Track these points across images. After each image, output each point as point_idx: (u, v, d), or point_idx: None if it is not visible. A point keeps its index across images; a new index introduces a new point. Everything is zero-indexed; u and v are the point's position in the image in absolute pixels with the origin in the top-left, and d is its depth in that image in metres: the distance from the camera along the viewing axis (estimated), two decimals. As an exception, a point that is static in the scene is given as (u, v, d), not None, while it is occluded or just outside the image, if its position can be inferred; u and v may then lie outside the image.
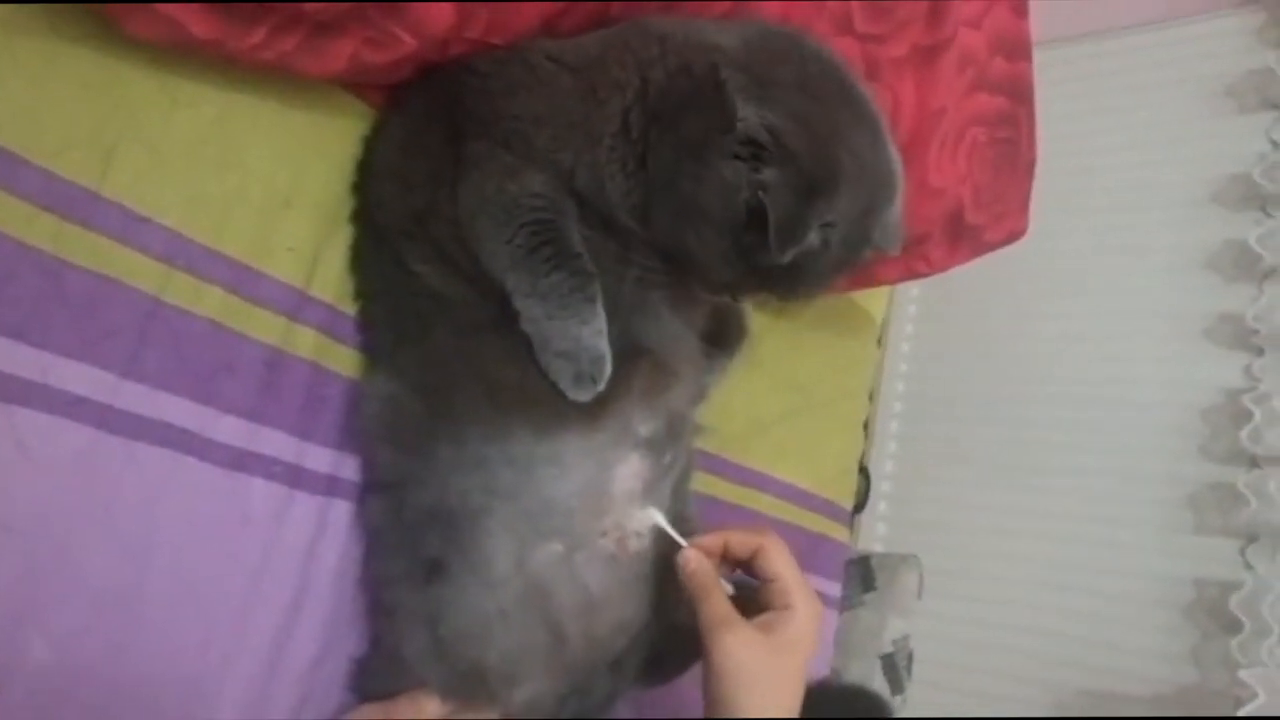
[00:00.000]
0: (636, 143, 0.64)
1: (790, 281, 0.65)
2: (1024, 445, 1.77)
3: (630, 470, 0.72)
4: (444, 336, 0.68)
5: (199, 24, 0.56)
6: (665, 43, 0.65)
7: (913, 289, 1.82)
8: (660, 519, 0.71)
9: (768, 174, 0.59)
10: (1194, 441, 1.62)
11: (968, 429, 1.83)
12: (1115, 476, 1.67)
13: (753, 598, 0.66)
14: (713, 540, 0.68)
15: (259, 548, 0.66)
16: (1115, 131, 1.76)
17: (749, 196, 0.60)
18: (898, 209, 0.68)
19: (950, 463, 1.82)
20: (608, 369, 0.65)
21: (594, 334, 0.65)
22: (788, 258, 0.60)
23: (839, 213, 0.61)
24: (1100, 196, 1.76)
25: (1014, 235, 1.00)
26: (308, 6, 0.57)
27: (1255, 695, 1.30)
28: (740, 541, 0.67)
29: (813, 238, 0.61)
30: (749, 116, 0.60)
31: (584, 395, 0.65)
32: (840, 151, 0.61)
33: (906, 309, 1.88)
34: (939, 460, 1.83)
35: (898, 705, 1.47)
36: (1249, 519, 1.48)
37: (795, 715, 0.64)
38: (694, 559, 0.67)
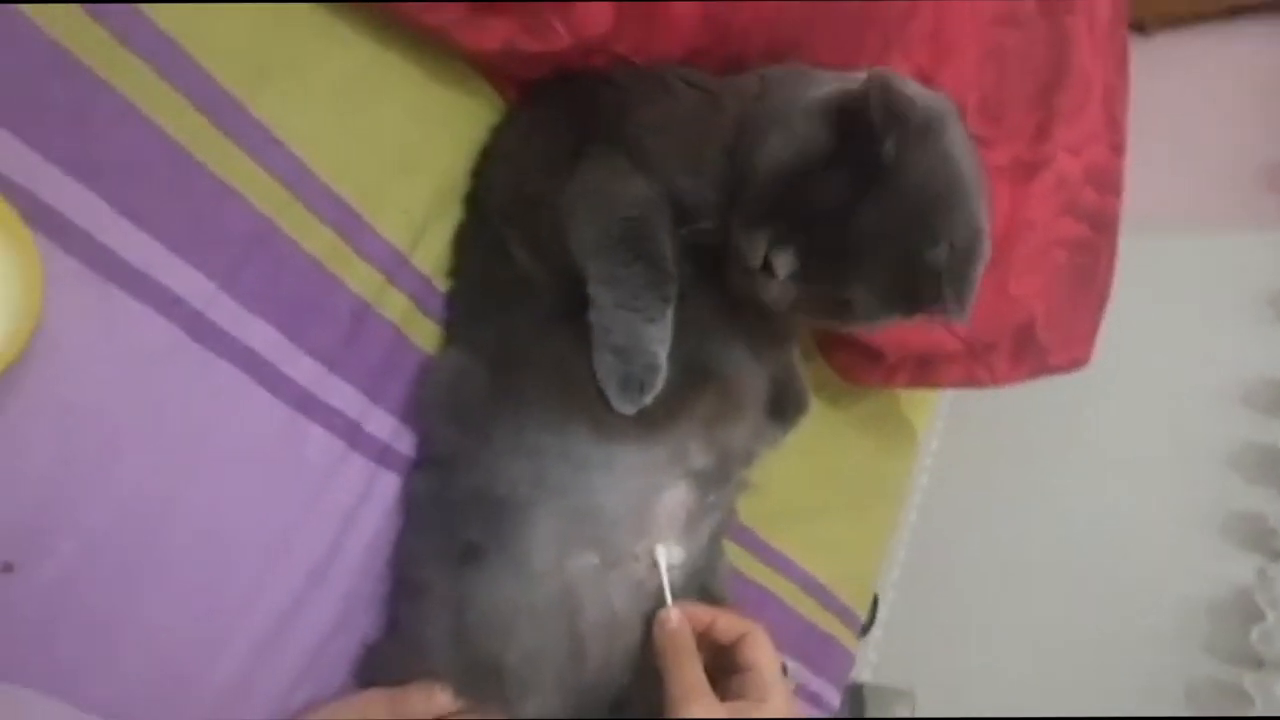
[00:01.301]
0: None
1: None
2: (1028, 609, 1.75)
3: (677, 498, 0.70)
4: (526, 320, 0.68)
5: (380, -30, 0.59)
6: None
7: (938, 423, 1.83)
8: (662, 557, 0.68)
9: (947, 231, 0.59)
10: (1200, 636, 1.60)
11: (974, 581, 1.81)
12: (1116, 655, 1.65)
13: (723, 682, 0.64)
14: (702, 611, 0.66)
15: (303, 497, 0.64)
16: (1162, 319, 1.81)
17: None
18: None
19: (953, 606, 1.79)
20: (659, 383, 0.64)
21: (656, 338, 0.64)
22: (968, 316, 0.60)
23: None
24: (1139, 377, 1.79)
25: (1077, 363, 1.01)
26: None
27: None
28: (728, 624, 0.65)
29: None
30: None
31: (629, 405, 0.63)
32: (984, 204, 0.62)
33: (930, 443, 1.89)
34: (941, 599, 1.80)
35: None
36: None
37: None
38: (677, 619, 0.65)
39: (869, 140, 0.57)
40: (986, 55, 0.83)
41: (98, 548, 0.55)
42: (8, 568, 0.52)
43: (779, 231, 0.60)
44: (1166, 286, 1.85)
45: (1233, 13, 2.02)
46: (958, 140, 0.62)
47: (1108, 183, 0.96)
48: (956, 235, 0.60)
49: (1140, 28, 2.06)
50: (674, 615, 0.65)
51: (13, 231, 0.48)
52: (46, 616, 0.54)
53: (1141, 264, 1.83)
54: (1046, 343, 0.95)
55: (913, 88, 0.62)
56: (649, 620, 0.69)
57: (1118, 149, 0.97)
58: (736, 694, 0.63)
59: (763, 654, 0.64)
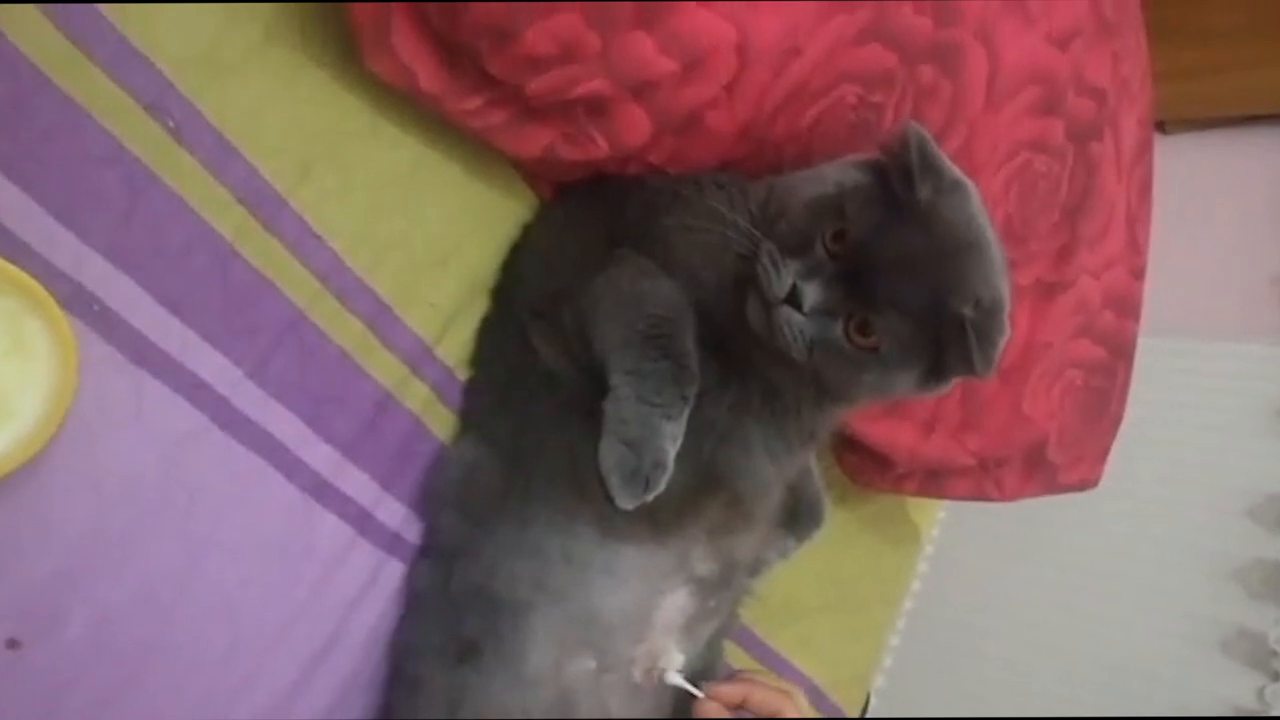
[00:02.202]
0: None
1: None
2: (1019, 711, 1.72)
3: (677, 604, 0.70)
4: (543, 413, 0.68)
5: (428, 78, 0.60)
6: None
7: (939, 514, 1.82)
8: (677, 678, 0.69)
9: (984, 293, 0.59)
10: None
11: (966, 678, 1.79)
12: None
13: None
14: (735, 691, 0.67)
15: (309, 582, 0.64)
16: (1167, 424, 1.80)
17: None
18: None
19: (943, 702, 1.76)
20: (663, 481, 0.63)
21: (670, 436, 0.63)
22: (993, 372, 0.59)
23: None
24: (1143, 483, 1.78)
25: (1086, 483, 1.01)
26: (528, 87, 0.61)
27: None
28: (762, 700, 0.66)
29: None
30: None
31: (629, 499, 0.62)
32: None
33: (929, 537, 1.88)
34: (932, 694, 1.77)
35: None
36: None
37: None
38: (712, 710, 0.66)
39: (906, 184, 0.58)
40: (1014, 177, 0.84)
41: (111, 623, 0.56)
42: (13, 644, 0.52)
43: (809, 264, 0.59)
44: (1173, 391, 1.85)
45: (1252, 119, 2.04)
46: (984, 212, 0.63)
47: (1127, 307, 0.97)
48: (983, 293, 0.59)
49: (1160, 126, 2.08)
50: (708, 706, 0.65)
51: (52, 317, 0.49)
52: (49, 691, 0.54)
53: (1148, 365, 1.84)
54: (1057, 462, 0.95)
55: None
56: (673, 711, 0.69)
57: (1138, 274, 0.98)
58: None
59: None
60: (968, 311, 0.58)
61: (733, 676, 0.69)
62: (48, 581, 0.53)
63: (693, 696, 0.67)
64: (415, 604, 0.69)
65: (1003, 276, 0.63)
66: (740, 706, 0.66)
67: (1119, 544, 1.77)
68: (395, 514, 0.68)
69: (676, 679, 0.68)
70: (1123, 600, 1.72)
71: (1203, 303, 1.94)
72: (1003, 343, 0.61)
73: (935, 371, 0.62)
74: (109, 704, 0.56)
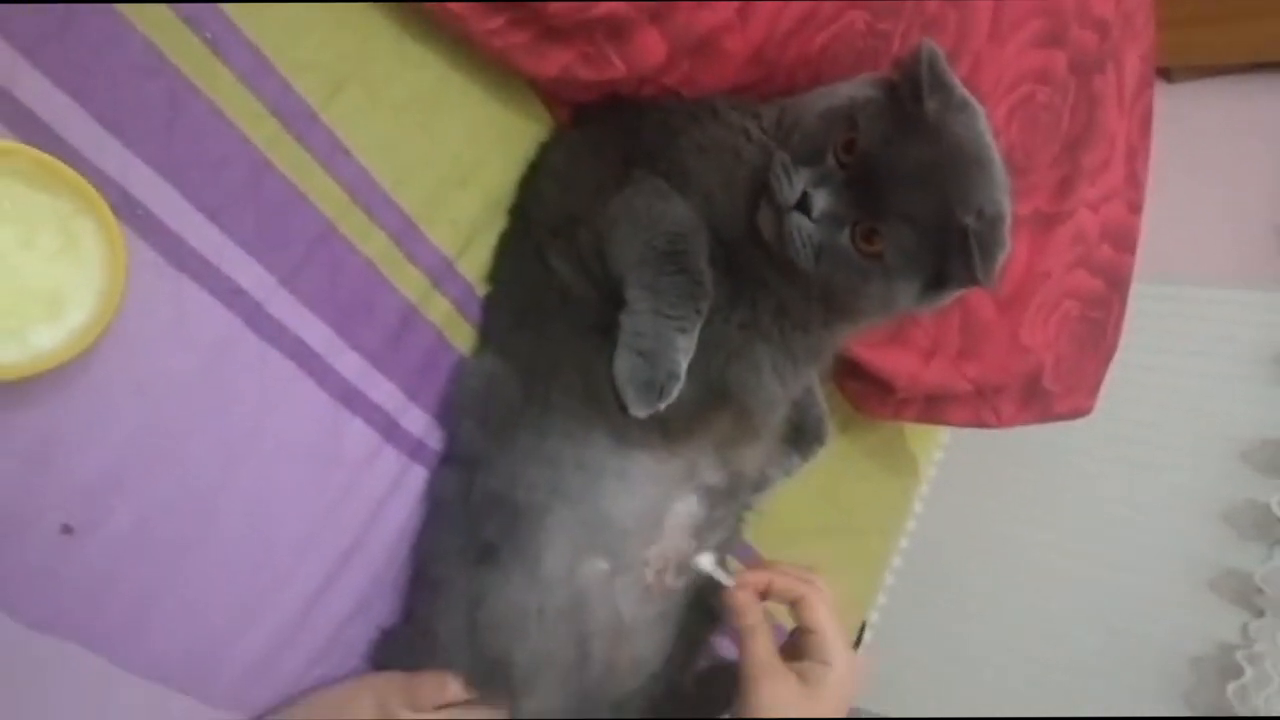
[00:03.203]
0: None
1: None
2: (1011, 645, 1.77)
3: (686, 509, 0.74)
4: (560, 329, 0.71)
5: (455, -3, 0.62)
6: None
7: (938, 454, 1.85)
8: (711, 566, 0.72)
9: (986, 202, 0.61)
10: (1180, 687, 1.63)
11: (960, 613, 1.84)
12: (1096, 699, 1.67)
13: (792, 642, 0.68)
14: (758, 578, 0.69)
15: (339, 485, 0.68)
16: (1164, 368, 1.83)
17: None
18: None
19: (937, 636, 1.81)
20: (676, 390, 0.65)
21: (683, 348, 0.66)
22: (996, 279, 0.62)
23: None
24: (1138, 424, 1.81)
25: (1080, 411, 1.04)
26: (549, 7, 0.63)
27: None
28: (784, 587, 0.68)
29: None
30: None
31: (643, 408, 0.65)
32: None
33: (928, 473, 1.91)
34: (925, 629, 1.82)
35: None
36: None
37: None
38: (743, 599, 0.68)
39: (915, 97, 0.60)
40: (1016, 107, 0.86)
41: (152, 520, 0.59)
42: (68, 529, 0.56)
43: (820, 172, 0.62)
44: (1171, 335, 1.88)
45: (1257, 66, 2.04)
46: (989, 131, 0.65)
47: (1124, 241, 0.99)
48: (986, 205, 0.61)
49: (1165, 74, 2.08)
50: (740, 597, 0.67)
51: (103, 219, 0.52)
52: (98, 580, 0.58)
53: (1147, 310, 1.86)
54: (1053, 390, 0.98)
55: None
56: (655, 627, 0.72)
57: (1136, 208, 1.00)
58: (801, 652, 0.66)
59: (822, 615, 0.66)
60: (970, 221, 0.60)
61: (758, 565, 0.72)
62: (96, 475, 0.56)
63: (722, 586, 0.70)
64: (437, 509, 0.72)
65: (1005, 192, 0.65)
66: (765, 593, 0.68)
67: (1112, 486, 1.81)
68: (419, 422, 0.71)
69: (708, 565, 0.71)
70: (1114, 541, 1.76)
71: (1204, 249, 1.96)
72: (1003, 255, 0.63)
73: (937, 281, 0.64)
74: (151, 596, 0.60)
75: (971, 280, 0.62)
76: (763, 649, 0.65)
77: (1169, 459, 1.81)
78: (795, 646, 0.67)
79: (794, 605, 0.67)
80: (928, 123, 0.61)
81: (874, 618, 1.68)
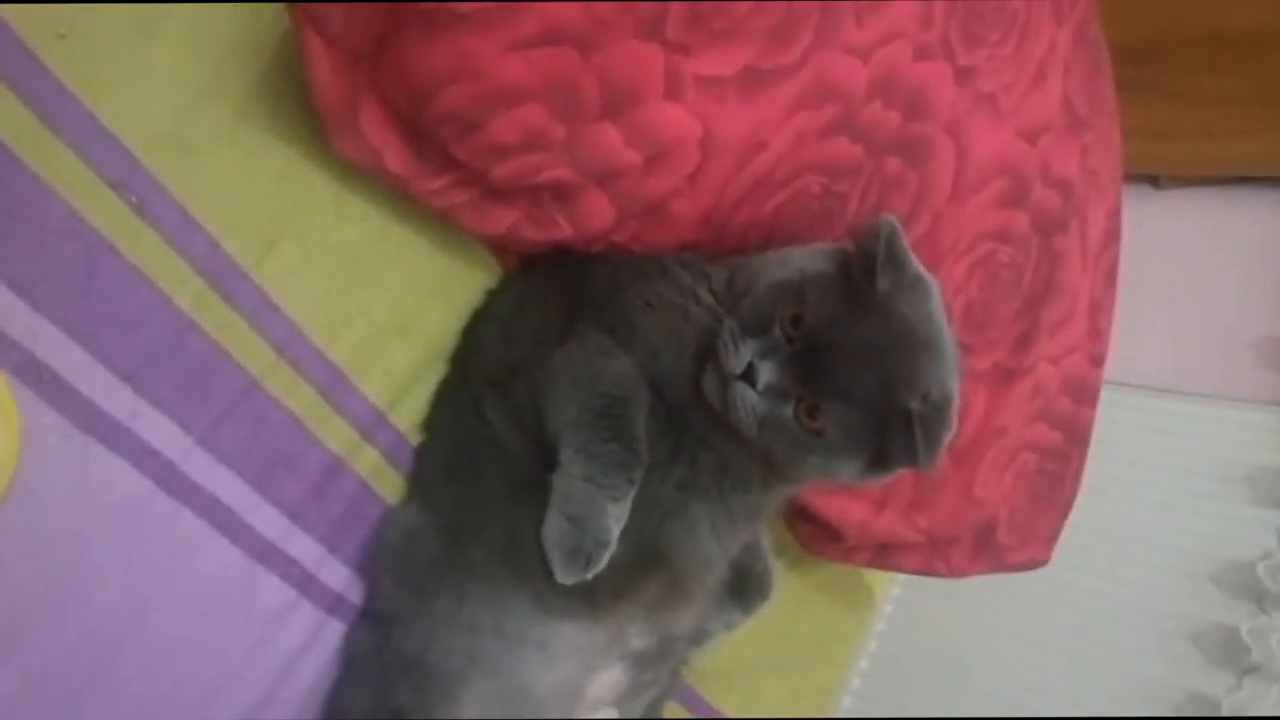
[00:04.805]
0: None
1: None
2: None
3: (610, 679, 0.71)
4: (490, 484, 0.69)
5: (394, 160, 0.61)
6: None
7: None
8: None
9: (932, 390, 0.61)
10: None
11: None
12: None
13: None
14: None
15: (251, 639, 0.65)
16: (1137, 486, 1.81)
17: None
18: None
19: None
20: (604, 559, 0.64)
21: (614, 516, 0.64)
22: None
23: None
24: (1108, 547, 1.78)
25: (1035, 563, 1.03)
26: (491, 175, 0.62)
27: None
28: None
29: None
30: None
31: (571, 575, 0.63)
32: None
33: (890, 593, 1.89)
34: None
35: None
36: None
37: None
38: None
39: (867, 273, 0.60)
40: (976, 265, 0.86)
41: (48, 675, 0.57)
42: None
43: (766, 343, 0.61)
44: (1144, 445, 1.86)
45: (1243, 180, 2.05)
46: (942, 312, 0.64)
47: (1085, 393, 0.98)
48: (932, 389, 0.60)
49: (1154, 181, 2.09)
50: None
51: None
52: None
53: (1121, 418, 1.85)
54: (1007, 543, 0.96)
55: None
56: None
57: (1098, 361, 0.99)
58: None
59: None
60: (915, 405, 0.59)
61: None
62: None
63: None
64: (350, 667, 0.70)
65: (953, 373, 0.64)
66: None
67: (1079, 604, 1.78)
68: (339, 575, 0.69)
69: None
70: (1079, 663, 1.73)
71: (1180, 359, 1.95)
72: (947, 438, 0.62)
73: (880, 460, 0.63)
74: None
75: (913, 463, 0.61)
76: None
77: (1135, 579, 1.78)
78: None
79: None
80: (877, 302, 0.60)
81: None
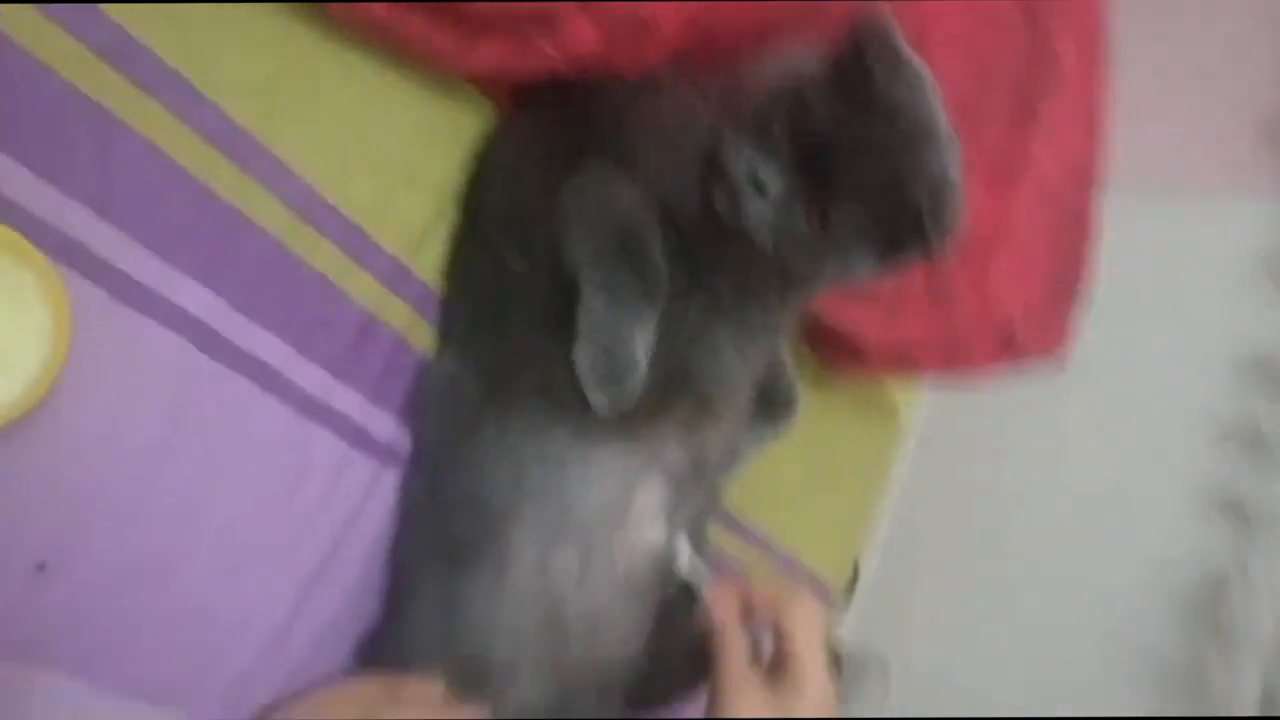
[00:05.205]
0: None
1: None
2: (1011, 575, 1.80)
3: (652, 494, 0.74)
4: (518, 324, 0.72)
5: (380, 7, 0.61)
6: None
7: (924, 397, 1.85)
8: (688, 569, 0.73)
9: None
10: (1170, 608, 1.65)
11: (959, 545, 1.86)
12: (1088, 629, 1.70)
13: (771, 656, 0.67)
14: (739, 586, 0.70)
15: (312, 497, 0.69)
16: (1150, 284, 1.82)
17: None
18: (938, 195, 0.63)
19: (935, 572, 1.84)
20: (637, 382, 0.66)
21: (641, 341, 0.66)
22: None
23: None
24: (1126, 351, 1.80)
25: (1053, 355, 1.05)
26: (474, 7, 0.62)
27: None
28: (765, 605, 0.68)
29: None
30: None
31: (604, 399, 0.66)
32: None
33: (919, 411, 1.92)
34: (924, 566, 1.85)
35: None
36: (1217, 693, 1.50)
37: None
38: (720, 610, 0.68)
39: (861, 69, 0.60)
40: (967, 58, 0.85)
41: (128, 549, 0.60)
42: (41, 567, 0.57)
43: (770, 150, 0.62)
44: (1155, 250, 1.86)
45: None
46: (937, 98, 0.65)
47: (1087, 178, 0.99)
48: (935, 175, 0.62)
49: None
50: (719, 605, 0.68)
51: (39, 268, 0.52)
52: (76, 610, 0.59)
53: (1128, 226, 1.85)
54: (1025, 339, 0.99)
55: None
56: (631, 612, 0.74)
57: (1095, 135, 0.99)
58: (777, 662, 0.65)
59: (801, 640, 0.65)
60: (922, 195, 0.61)
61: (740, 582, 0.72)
62: (64, 513, 0.57)
63: (698, 592, 0.71)
64: (409, 512, 0.73)
65: (956, 161, 0.65)
66: (744, 608, 0.68)
67: (1103, 410, 1.81)
68: (387, 427, 0.72)
69: (685, 568, 0.72)
70: (1106, 463, 1.78)
71: (1184, 156, 1.92)
72: (957, 224, 0.64)
73: (892, 252, 0.65)
74: (133, 619, 0.61)
75: (927, 252, 0.63)
76: (735, 660, 0.65)
77: (1156, 379, 1.81)
78: (773, 661, 0.67)
79: (776, 627, 0.67)
80: (875, 97, 0.61)
81: (870, 559, 1.71)
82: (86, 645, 0.59)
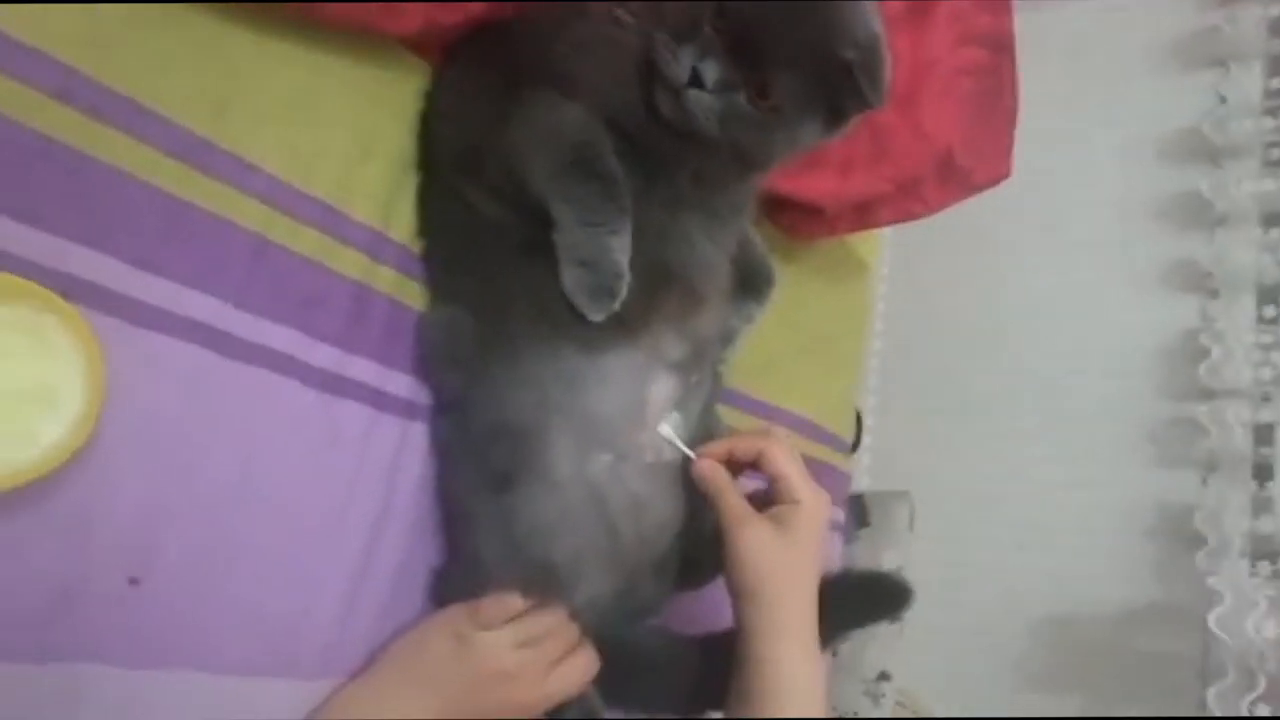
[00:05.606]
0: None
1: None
2: (996, 388, 1.89)
3: (664, 387, 0.79)
4: (498, 262, 0.75)
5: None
6: None
7: (888, 236, 1.90)
8: (669, 432, 0.78)
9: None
10: (1154, 377, 1.75)
11: (942, 375, 1.95)
12: (1083, 415, 1.79)
13: (765, 495, 0.75)
14: (718, 448, 0.76)
15: (349, 464, 0.73)
16: (1074, 87, 1.87)
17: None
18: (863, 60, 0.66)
19: (927, 403, 1.93)
20: (624, 287, 0.70)
21: (619, 248, 0.70)
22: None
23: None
24: (1063, 152, 1.86)
25: (999, 177, 1.10)
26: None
27: (1222, 599, 1.42)
28: (744, 448, 0.75)
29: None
30: None
31: (599, 312, 0.70)
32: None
33: (882, 255, 1.98)
34: (916, 400, 1.94)
35: (895, 633, 1.58)
36: (1209, 446, 1.60)
37: (814, 597, 0.73)
38: (706, 465, 0.75)
39: None
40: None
41: (197, 547, 0.65)
42: (134, 581, 0.62)
43: (701, 44, 0.66)
44: (1069, 44, 1.90)
45: None
46: None
47: (999, 4, 1.02)
48: (860, 33, 0.66)
49: None
50: (703, 464, 0.75)
51: (63, 311, 0.55)
52: (175, 608, 0.64)
53: (1040, 24, 1.87)
54: (967, 166, 1.03)
55: None
56: (669, 497, 0.80)
57: (1005, -33, 1.02)
58: (773, 500, 0.73)
59: (782, 461, 0.74)
60: (850, 54, 0.65)
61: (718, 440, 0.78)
62: (134, 526, 0.62)
63: (687, 458, 0.77)
64: (446, 454, 0.78)
65: (874, 13, 0.69)
66: (730, 459, 0.75)
67: (1053, 211, 1.87)
68: (403, 385, 0.77)
69: (669, 433, 0.78)
70: (1065, 259, 1.85)
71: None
72: (887, 72, 0.68)
73: (835, 114, 0.69)
74: (221, 605, 0.66)
75: (865, 106, 0.67)
76: (733, 504, 0.72)
77: (1096, 169, 1.86)
78: (767, 495, 0.74)
79: (757, 461, 0.74)
80: None
81: (868, 409, 1.79)
82: (193, 638, 0.65)
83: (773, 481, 0.74)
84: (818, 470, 1.19)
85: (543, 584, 0.75)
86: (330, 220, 0.71)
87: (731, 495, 0.73)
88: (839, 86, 0.66)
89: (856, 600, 0.91)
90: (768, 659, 0.70)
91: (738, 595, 0.72)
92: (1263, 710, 1.36)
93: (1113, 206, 1.84)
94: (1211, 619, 1.41)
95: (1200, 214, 1.75)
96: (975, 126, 1.02)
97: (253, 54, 0.66)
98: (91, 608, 0.60)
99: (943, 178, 1.03)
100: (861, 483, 1.81)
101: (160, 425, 0.63)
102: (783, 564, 0.71)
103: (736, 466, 0.77)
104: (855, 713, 1.51)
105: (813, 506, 0.73)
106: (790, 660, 0.70)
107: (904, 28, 0.92)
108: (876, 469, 1.90)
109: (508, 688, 0.74)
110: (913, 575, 1.63)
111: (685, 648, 0.86)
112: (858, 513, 1.59)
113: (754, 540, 0.71)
